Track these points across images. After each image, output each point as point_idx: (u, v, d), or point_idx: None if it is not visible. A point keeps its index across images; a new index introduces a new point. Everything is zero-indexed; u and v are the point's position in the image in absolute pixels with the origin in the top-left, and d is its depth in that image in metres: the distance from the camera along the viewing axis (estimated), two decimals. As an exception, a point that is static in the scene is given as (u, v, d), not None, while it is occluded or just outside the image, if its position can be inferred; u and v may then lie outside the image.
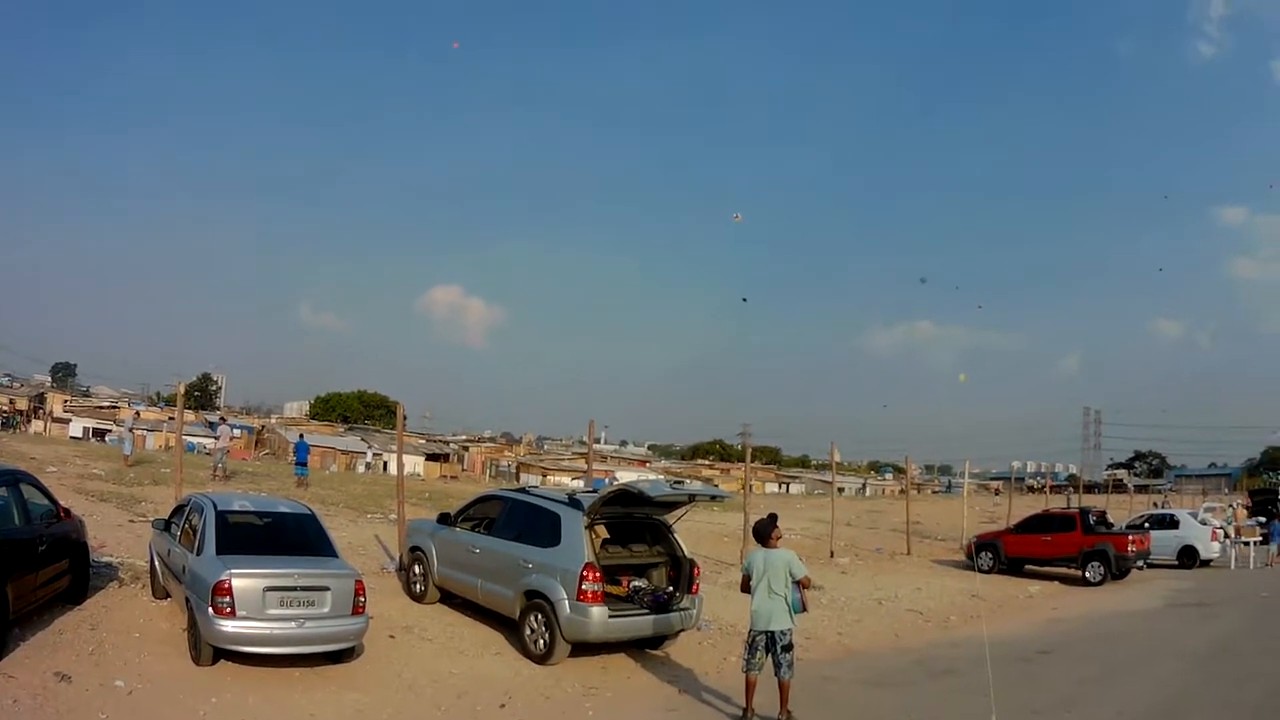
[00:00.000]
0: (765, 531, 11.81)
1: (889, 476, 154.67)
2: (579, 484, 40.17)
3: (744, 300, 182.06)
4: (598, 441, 28.85)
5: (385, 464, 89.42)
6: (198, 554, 12.37)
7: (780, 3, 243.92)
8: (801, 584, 11.55)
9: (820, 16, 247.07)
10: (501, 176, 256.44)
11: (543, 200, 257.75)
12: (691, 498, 14.82)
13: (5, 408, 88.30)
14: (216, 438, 40.72)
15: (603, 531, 15.32)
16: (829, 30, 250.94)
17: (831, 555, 31.22)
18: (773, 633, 11.23)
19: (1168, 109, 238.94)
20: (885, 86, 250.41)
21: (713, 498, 17.00)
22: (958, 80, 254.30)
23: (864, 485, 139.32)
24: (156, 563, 14.85)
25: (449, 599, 16.77)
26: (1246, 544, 35.78)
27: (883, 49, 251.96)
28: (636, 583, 14.91)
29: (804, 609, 11.70)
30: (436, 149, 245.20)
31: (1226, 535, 36.69)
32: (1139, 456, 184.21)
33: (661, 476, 31.91)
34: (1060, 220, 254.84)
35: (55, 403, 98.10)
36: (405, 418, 24.62)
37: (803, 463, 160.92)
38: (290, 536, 13.44)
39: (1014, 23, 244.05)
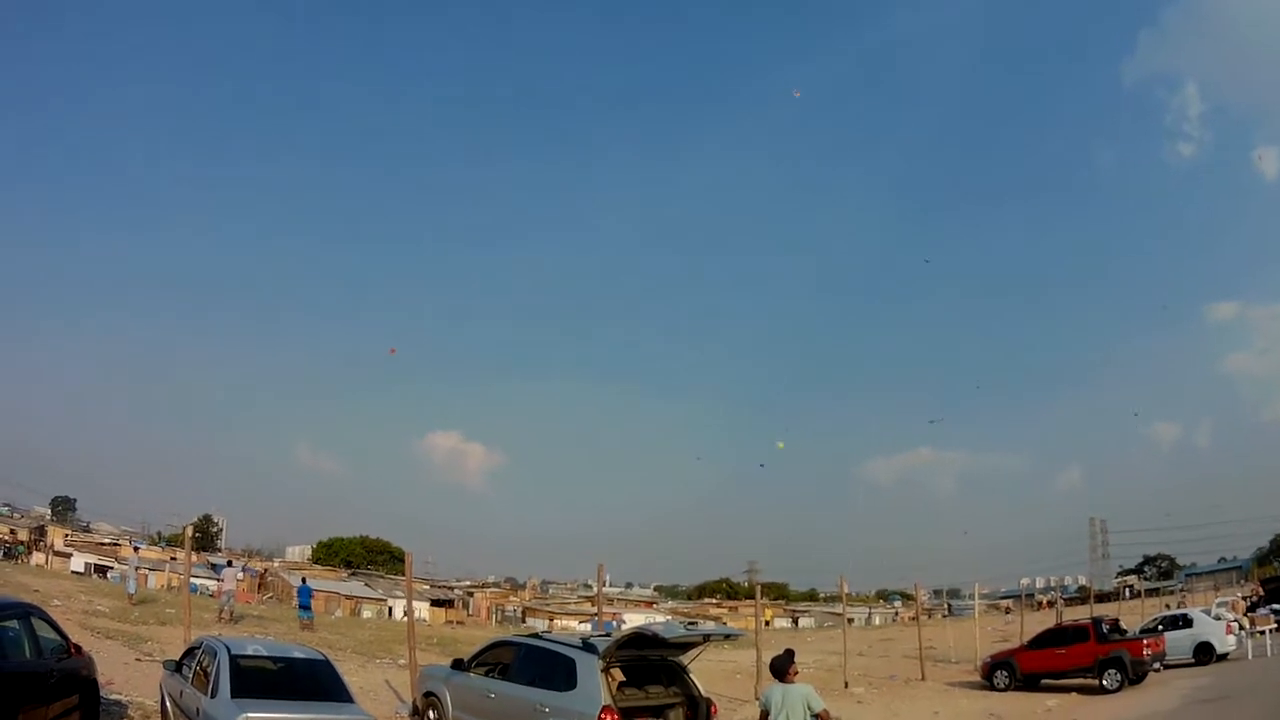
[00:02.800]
0: (783, 667, 12.08)
1: (898, 604, 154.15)
2: (587, 627, 40.56)
3: (761, 465, 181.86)
4: (603, 584, 29.47)
5: (390, 609, 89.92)
6: (212, 696, 12.54)
7: (754, 124, 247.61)
8: (820, 717, 11.81)
9: (797, 137, 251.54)
10: (494, 318, 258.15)
11: (534, 348, 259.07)
12: (706, 638, 15.28)
13: (7, 538, 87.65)
14: (221, 580, 41.00)
15: (618, 674, 15.42)
16: (811, 152, 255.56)
17: (846, 685, 31.66)
18: None
19: (1153, 210, 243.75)
20: (875, 207, 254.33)
21: (726, 636, 17.39)
22: (943, 198, 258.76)
23: (869, 614, 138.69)
24: (168, 703, 15.00)
25: None
26: (1262, 633, 36.48)
27: (870, 167, 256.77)
28: None
29: None
30: (428, 290, 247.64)
31: (1241, 628, 37.39)
32: (1148, 560, 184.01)
33: (672, 618, 32.55)
34: (1051, 333, 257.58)
35: (56, 536, 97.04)
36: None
37: (810, 596, 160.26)
38: (305, 682, 13.58)
39: (995, 137, 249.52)
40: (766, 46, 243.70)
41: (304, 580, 47.73)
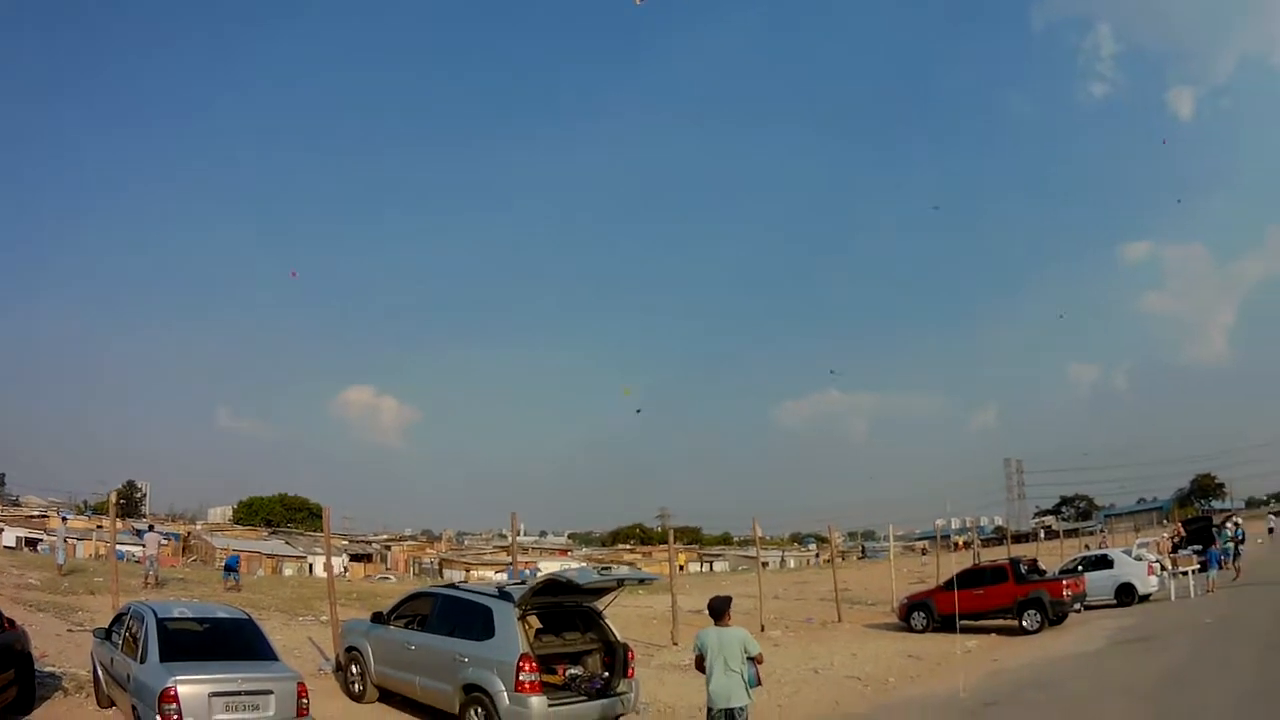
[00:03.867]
0: (721, 610, 12.25)
1: (812, 547, 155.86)
2: (503, 577, 40.32)
3: (638, 412, 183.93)
4: (518, 534, 29.02)
5: (311, 566, 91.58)
6: (141, 662, 12.80)
7: (681, 86, 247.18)
8: (756, 660, 12.06)
9: (720, 90, 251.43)
10: (405, 272, 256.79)
11: (446, 296, 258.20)
12: (620, 583, 15.58)
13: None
14: (144, 545, 41.34)
15: (535, 622, 15.64)
16: (738, 104, 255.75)
17: (762, 629, 31.19)
18: (732, 710, 11.75)
19: (1066, 151, 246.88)
20: (787, 155, 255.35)
21: (640, 581, 17.50)
22: (859, 142, 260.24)
23: (783, 557, 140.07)
24: (100, 672, 15.24)
25: (388, 697, 17.10)
26: (1185, 574, 36.62)
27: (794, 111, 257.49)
28: (573, 670, 15.21)
29: (759, 683, 12.33)
30: (347, 247, 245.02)
31: (1163, 568, 37.51)
32: (1065, 501, 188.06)
33: (586, 565, 32.13)
34: (965, 274, 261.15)
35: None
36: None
37: (724, 540, 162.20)
38: (230, 641, 13.92)
39: (907, 80, 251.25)
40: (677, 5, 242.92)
41: (234, 555, 49.36)
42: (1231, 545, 41.35)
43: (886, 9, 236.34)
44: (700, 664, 12.18)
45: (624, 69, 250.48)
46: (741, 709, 11.77)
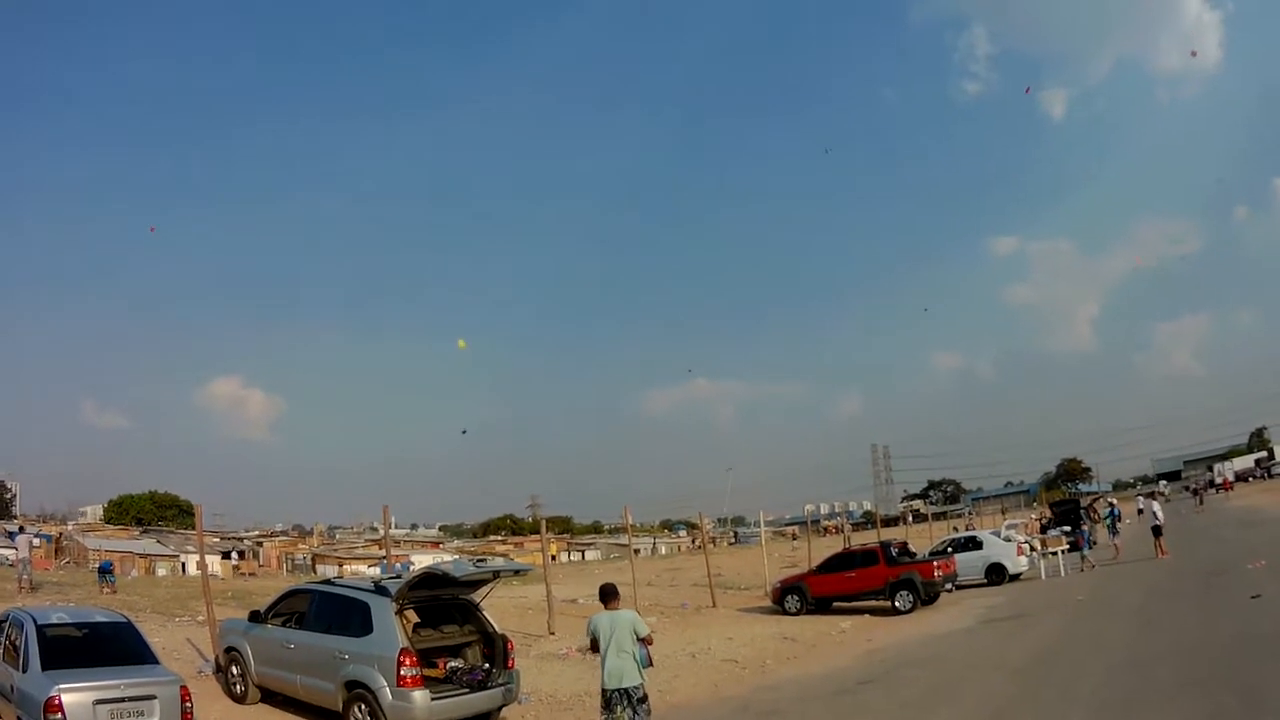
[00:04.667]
0: (611, 593, 12.70)
1: (683, 533, 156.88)
2: (377, 571, 39.96)
3: (463, 432, 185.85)
4: (390, 527, 28.82)
5: (184, 565, 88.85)
6: (23, 671, 12.67)
7: (522, 65, 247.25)
8: (645, 640, 12.44)
9: (572, 64, 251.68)
10: (267, 261, 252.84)
11: (311, 283, 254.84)
12: (495, 574, 15.59)
13: None
14: (15, 548, 40.14)
15: (413, 616, 15.97)
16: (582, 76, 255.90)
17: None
18: (626, 689, 12.05)
19: (937, 147, 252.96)
20: (649, 141, 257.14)
21: (515, 572, 17.25)
22: (718, 126, 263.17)
23: (654, 544, 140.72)
24: None
25: (270, 697, 16.91)
26: (1054, 554, 37.60)
27: (648, 93, 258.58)
28: (453, 663, 15.38)
29: (650, 664, 12.68)
30: (204, 231, 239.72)
31: (1032, 549, 38.48)
32: (933, 485, 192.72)
33: (460, 557, 32.02)
34: (833, 265, 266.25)
35: None
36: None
37: (595, 529, 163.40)
38: (111, 646, 13.69)
39: (775, 67, 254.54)
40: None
41: (107, 561, 47.92)
42: (1110, 524, 42.55)
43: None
44: (595, 647, 12.49)
45: (475, 48, 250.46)
46: (636, 687, 12.07)
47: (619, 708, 12.02)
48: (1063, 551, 38.16)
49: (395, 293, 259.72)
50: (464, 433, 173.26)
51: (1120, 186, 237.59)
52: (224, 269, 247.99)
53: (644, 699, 12.15)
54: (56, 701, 11.65)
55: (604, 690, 12.18)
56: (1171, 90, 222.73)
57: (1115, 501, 48.39)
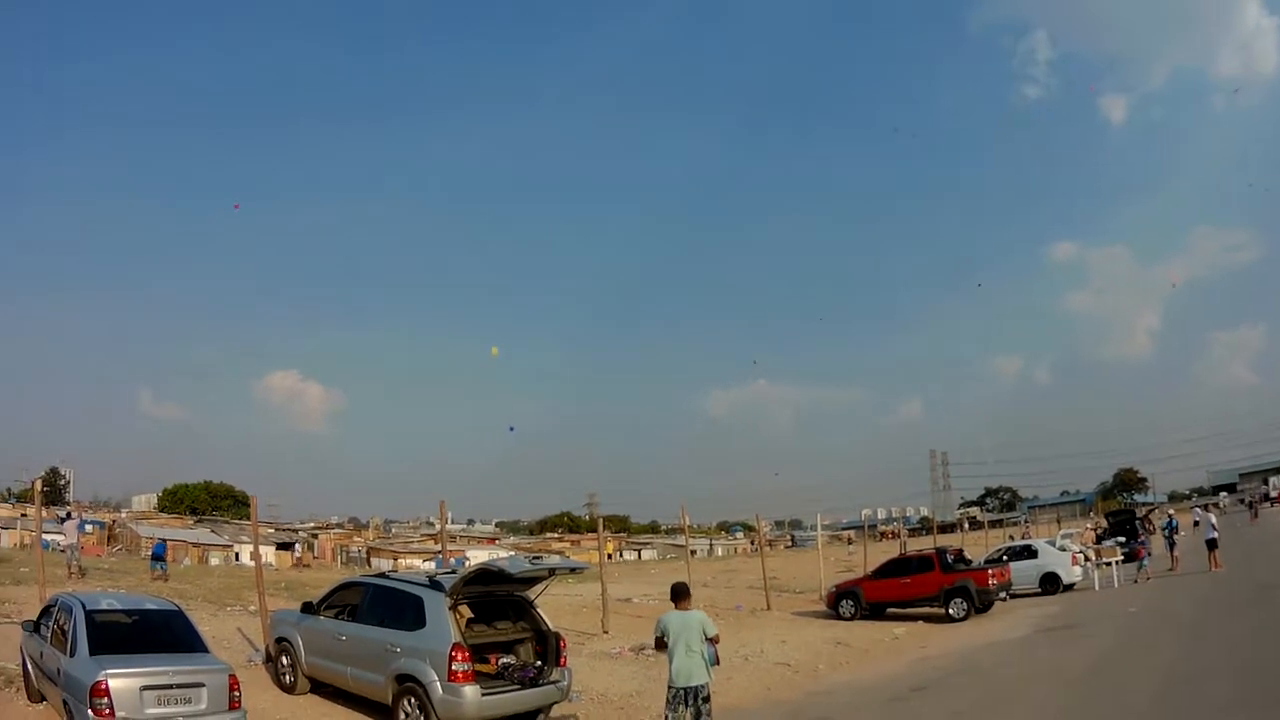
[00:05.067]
0: (682, 593, 12.75)
1: (740, 535, 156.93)
2: (432, 566, 40.34)
3: (510, 429, 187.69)
4: (446, 522, 29.17)
5: (238, 555, 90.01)
6: (71, 655, 12.70)
7: (594, 66, 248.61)
8: (713, 640, 12.54)
9: (650, 63, 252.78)
10: (327, 257, 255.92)
11: (369, 280, 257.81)
12: (552, 571, 15.59)
13: None
14: (63, 533, 40.45)
15: (466, 611, 15.86)
16: (651, 81, 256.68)
17: (691, 616, 31.41)
18: (694, 688, 12.20)
19: (998, 151, 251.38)
20: (715, 145, 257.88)
21: (571, 570, 17.47)
22: (779, 130, 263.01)
23: (710, 545, 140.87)
24: (29, 665, 15.16)
25: (320, 688, 17.01)
26: (1108, 564, 37.47)
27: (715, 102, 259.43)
28: (505, 659, 15.36)
29: (717, 662, 12.76)
30: (264, 228, 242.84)
31: (1087, 559, 38.34)
32: (990, 493, 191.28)
33: (516, 553, 32.33)
34: (894, 267, 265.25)
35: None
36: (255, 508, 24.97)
37: (652, 529, 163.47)
38: (160, 633, 13.79)
39: (839, 75, 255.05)
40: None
41: (162, 541, 48.87)
42: (1168, 536, 42.30)
43: (825, 6, 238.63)
44: (661, 645, 12.64)
45: (539, 52, 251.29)
46: (702, 686, 12.25)
47: (682, 706, 12.21)
48: (1117, 562, 38.00)
49: (454, 292, 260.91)
50: (511, 429, 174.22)
51: (1178, 194, 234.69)
52: (286, 263, 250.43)
53: (708, 698, 12.31)
54: (103, 686, 11.74)
55: (671, 687, 12.34)
56: (1230, 97, 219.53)
57: (1174, 513, 47.93)
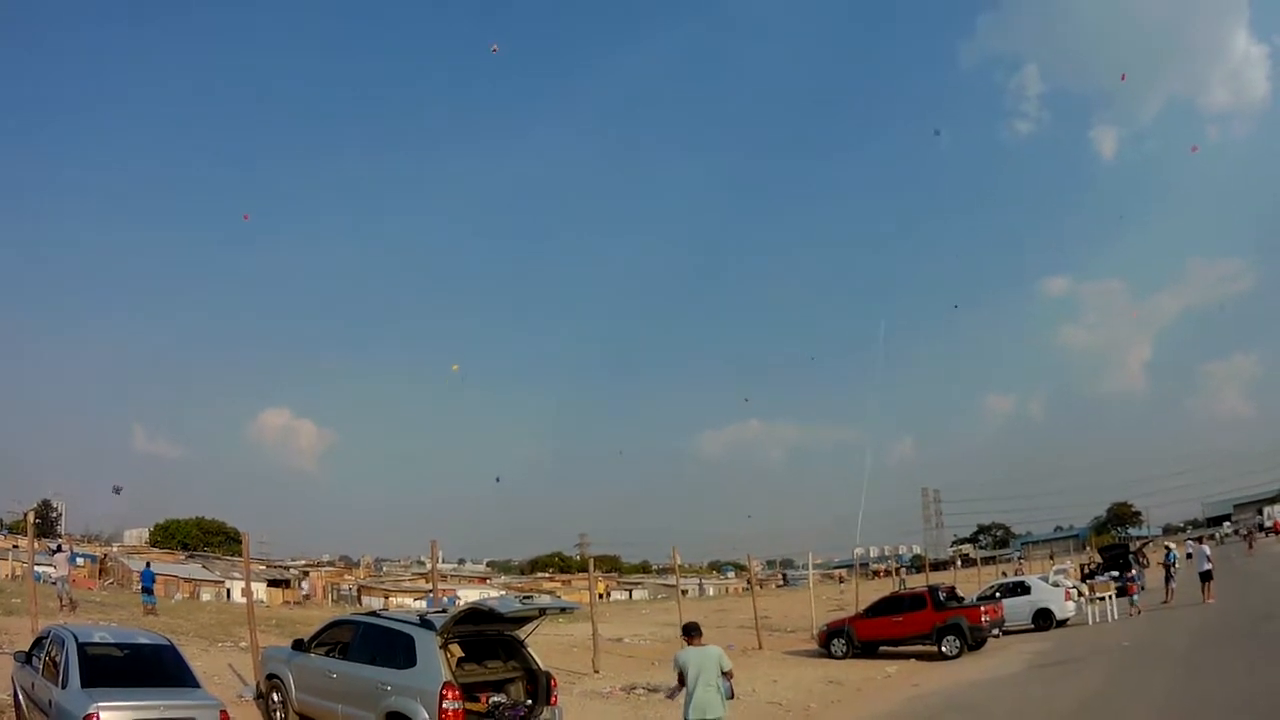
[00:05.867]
0: (695, 630, 13.71)
1: (731, 575, 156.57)
2: (423, 604, 40.30)
3: (497, 480, 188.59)
4: (437, 561, 29.12)
5: (228, 591, 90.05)
6: (63, 687, 12.76)
7: (585, 107, 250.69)
8: (728, 675, 13.28)
9: (635, 115, 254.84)
10: (323, 294, 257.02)
11: (363, 318, 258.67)
12: (542, 611, 15.58)
13: None
14: (54, 565, 39.91)
15: (457, 650, 15.98)
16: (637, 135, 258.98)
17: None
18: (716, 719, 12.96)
19: (989, 186, 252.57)
20: (708, 186, 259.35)
21: (562, 610, 17.43)
22: (771, 169, 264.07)
23: (700, 584, 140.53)
24: (20, 696, 15.20)
25: None
26: (1102, 599, 37.38)
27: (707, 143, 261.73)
28: (496, 698, 15.36)
29: (732, 696, 13.59)
30: (260, 264, 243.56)
31: (1080, 594, 38.29)
32: (983, 530, 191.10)
33: (506, 593, 32.22)
34: (883, 305, 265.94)
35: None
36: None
37: (643, 569, 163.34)
38: (152, 668, 13.91)
39: (831, 113, 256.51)
40: (600, 28, 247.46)
41: (148, 564, 47.73)
42: (1167, 569, 42.32)
43: (814, 40, 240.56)
44: (681, 680, 13.19)
45: (538, 84, 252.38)
46: (718, 719, 12.87)
47: None
48: (1111, 596, 37.94)
49: (445, 332, 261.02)
50: (498, 480, 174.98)
51: (1172, 226, 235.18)
52: (279, 302, 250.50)
53: None
54: (95, 718, 11.76)
55: None
56: (1222, 128, 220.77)
57: (1172, 546, 48.01)
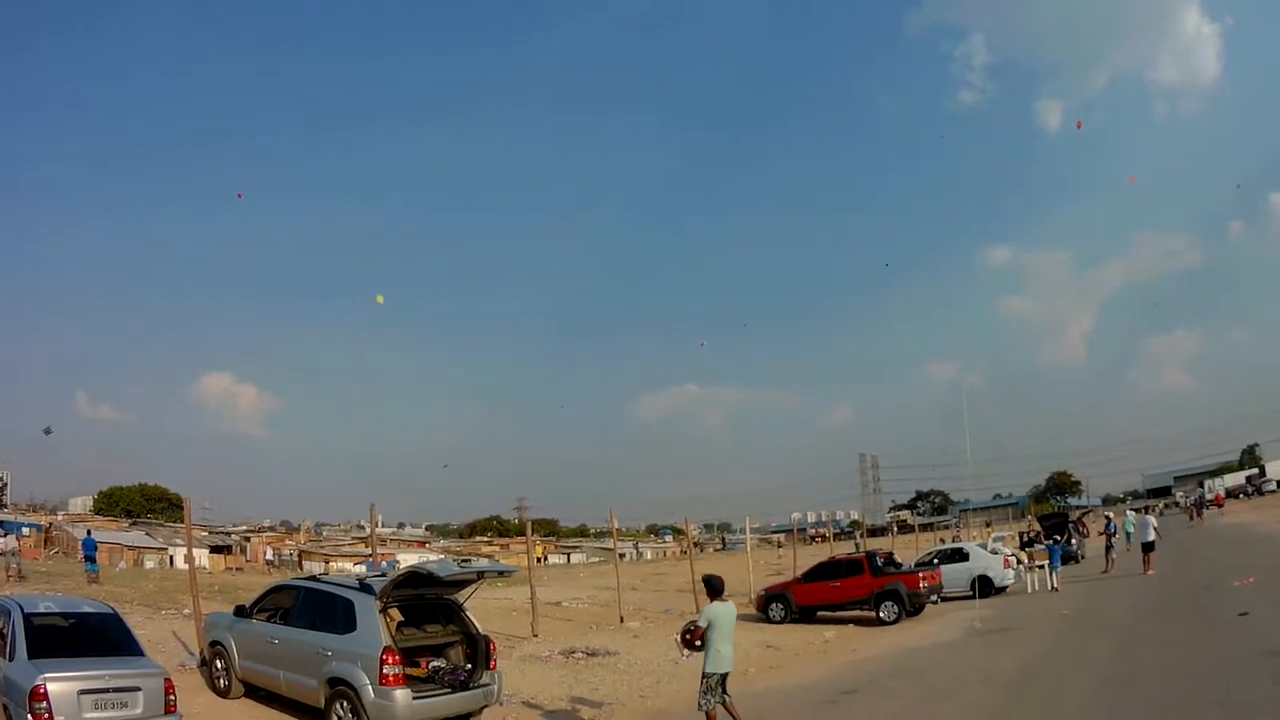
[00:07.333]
0: (720, 587, 14.42)
1: (669, 539, 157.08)
2: (363, 569, 40.10)
3: (445, 466, 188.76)
4: (376, 525, 28.94)
5: (171, 558, 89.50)
6: (10, 659, 12.82)
7: (534, 77, 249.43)
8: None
9: (588, 72, 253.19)
10: (266, 260, 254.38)
11: (307, 285, 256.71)
12: (480, 575, 15.68)
13: None
14: (3, 537, 40.75)
15: (396, 614, 16.08)
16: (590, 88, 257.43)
17: (621, 620, 31.69)
18: (727, 673, 14.11)
19: (932, 156, 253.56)
20: (653, 150, 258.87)
21: (500, 574, 17.33)
22: (712, 135, 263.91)
23: (636, 547, 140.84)
24: None
25: (254, 692, 17.08)
26: (1041, 568, 37.61)
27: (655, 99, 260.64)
28: (435, 663, 15.56)
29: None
30: (203, 231, 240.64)
31: (1019, 562, 38.56)
32: (921, 496, 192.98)
33: (445, 557, 32.11)
34: (823, 272, 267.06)
35: None
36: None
37: (581, 532, 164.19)
38: (97, 637, 13.91)
39: (777, 79, 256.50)
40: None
41: (89, 533, 48.42)
42: (1105, 539, 42.69)
43: (760, 7, 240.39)
44: (702, 634, 14.04)
45: (479, 58, 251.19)
46: (729, 671, 14.17)
47: (719, 689, 13.89)
48: (1046, 565, 38.13)
49: (389, 295, 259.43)
50: (445, 467, 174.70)
51: (1117, 199, 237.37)
52: (220, 266, 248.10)
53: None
54: (42, 690, 11.80)
55: (713, 674, 13.85)
56: (1170, 104, 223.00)
57: (1111, 516, 48.46)
